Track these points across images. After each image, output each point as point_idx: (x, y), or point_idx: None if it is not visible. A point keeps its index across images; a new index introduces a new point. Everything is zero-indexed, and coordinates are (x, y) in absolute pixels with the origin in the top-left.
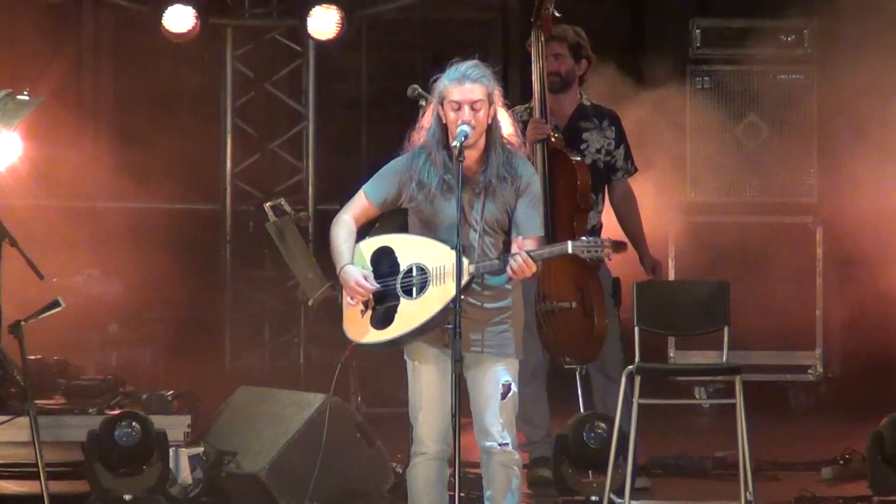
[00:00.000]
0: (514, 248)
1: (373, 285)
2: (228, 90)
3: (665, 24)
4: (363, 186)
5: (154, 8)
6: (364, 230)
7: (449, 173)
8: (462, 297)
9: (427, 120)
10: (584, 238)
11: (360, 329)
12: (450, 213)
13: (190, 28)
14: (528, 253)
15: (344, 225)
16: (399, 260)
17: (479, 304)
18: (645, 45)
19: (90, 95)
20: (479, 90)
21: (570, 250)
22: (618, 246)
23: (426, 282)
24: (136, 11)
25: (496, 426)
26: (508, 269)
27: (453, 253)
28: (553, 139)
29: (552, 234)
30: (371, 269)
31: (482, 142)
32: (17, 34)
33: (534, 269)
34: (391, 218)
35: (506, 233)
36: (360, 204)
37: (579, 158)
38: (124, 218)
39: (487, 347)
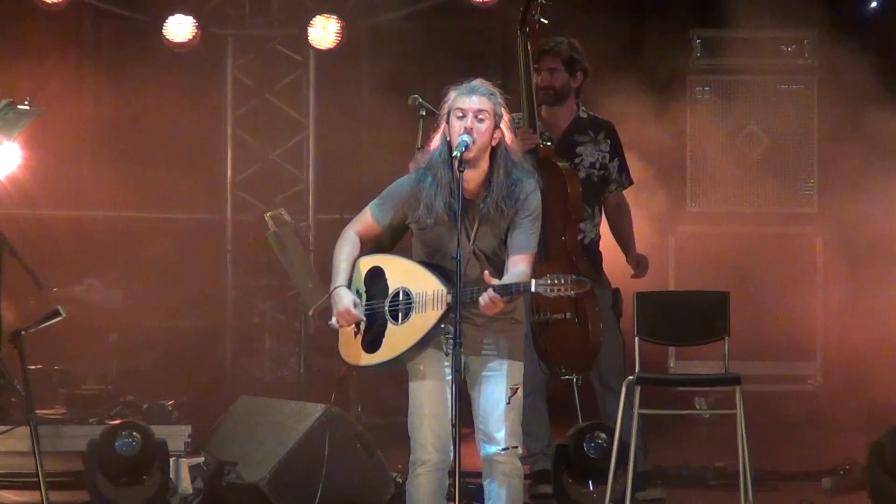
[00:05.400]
0: (506, 266)
1: (359, 316)
2: (229, 99)
3: (665, 34)
4: (370, 204)
5: (155, 17)
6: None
7: (453, 196)
8: (465, 308)
9: (434, 142)
10: (547, 276)
11: (352, 351)
12: (450, 237)
13: (190, 38)
14: (494, 289)
15: (349, 241)
16: (388, 283)
17: (482, 313)
18: (645, 54)
19: (91, 105)
20: (486, 103)
21: (533, 289)
22: (579, 283)
23: (410, 308)
24: (136, 21)
25: (502, 431)
26: (480, 302)
27: (436, 280)
28: (541, 147)
29: (543, 245)
30: (365, 288)
31: (485, 164)
32: (17, 44)
33: (500, 305)
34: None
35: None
36: (365, 222)
37: (569, 166)
38: (124, 227)
39: (493, 350)
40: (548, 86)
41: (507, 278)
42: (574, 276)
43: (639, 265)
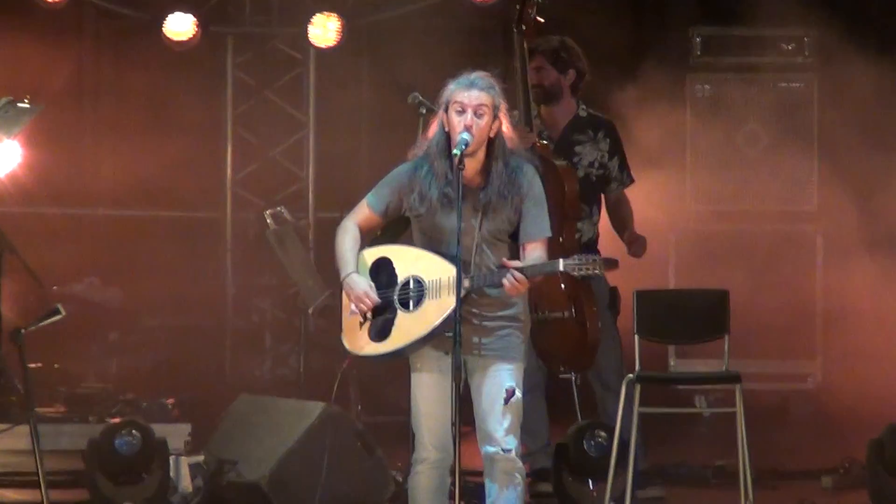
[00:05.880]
0: (522, 255)
1: (376, 299)
2: (229, 98)
3: (665, 33)
4: (366, 195)
5: (155, 16)
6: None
7: (450, 186)
8: (465, 306)
9: (432, 130)
10: (575, 256)
11: (358, 341)
12: (450, 225)
13: (191, 36)
14: (520, 270)
15: (349, 232)
16: (397, 271)
17: (483, 313)
18: (645, 53)
19: (90, 103)
20: (486, 98)
21: (560, 268)
22: (609, 263)
23: (423, 295)
24: (136, 19)
25: (500, 431)
26: (504, 284)
27: (450, 266)
28: (538, 146)
29: None
30: (371, 279)
31: (482, 154)
32: (17, 42)
33: (527, 284)
34: (394, 225)
35: (512, 238)
36: (362, 212)
37: (566, 165)
38: (125, 225)
39: (491, 350)
40: (536, 84)
41: (526, 263)
42: (603, 257)
43: (633, 243)
